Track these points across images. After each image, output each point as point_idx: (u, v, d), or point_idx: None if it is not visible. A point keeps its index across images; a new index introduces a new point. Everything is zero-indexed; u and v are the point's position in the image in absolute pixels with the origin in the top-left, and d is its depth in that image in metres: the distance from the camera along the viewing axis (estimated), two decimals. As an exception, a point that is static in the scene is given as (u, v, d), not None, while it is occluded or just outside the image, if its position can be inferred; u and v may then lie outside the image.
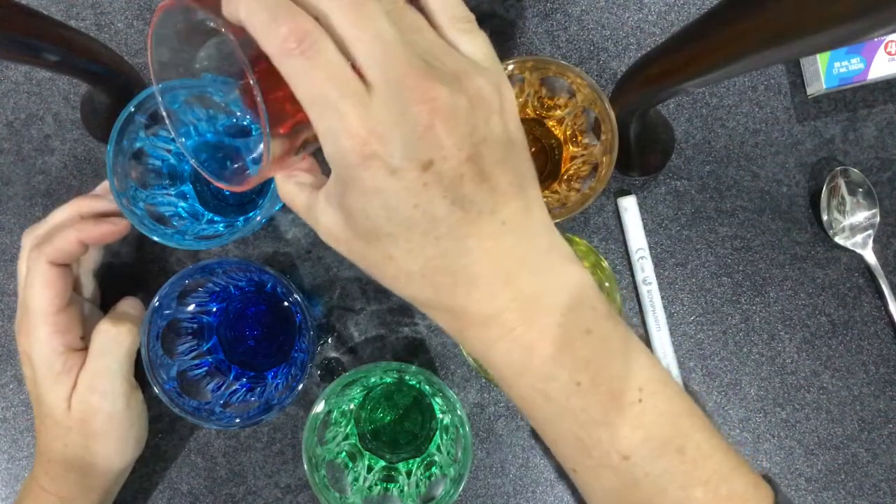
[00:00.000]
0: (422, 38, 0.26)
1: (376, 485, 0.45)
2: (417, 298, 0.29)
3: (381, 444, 0.48)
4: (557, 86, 0.45)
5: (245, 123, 0.34)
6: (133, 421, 0.45)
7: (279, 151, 0.27)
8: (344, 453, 0.45)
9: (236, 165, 0.32)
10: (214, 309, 0.48)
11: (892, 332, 0.50)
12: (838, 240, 0.49)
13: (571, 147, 0.47)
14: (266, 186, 0.44)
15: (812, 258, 0.50)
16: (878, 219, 0.49)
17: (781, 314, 0.50)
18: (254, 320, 0.50)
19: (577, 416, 0.28)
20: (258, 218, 0.43)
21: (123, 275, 0.51)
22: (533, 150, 0.49)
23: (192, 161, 0.29)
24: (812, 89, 0.50)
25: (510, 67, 0.43)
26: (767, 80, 0.51)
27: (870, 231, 0.50)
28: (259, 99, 0.24)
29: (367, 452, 0.47)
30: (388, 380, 0.47)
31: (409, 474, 0.45)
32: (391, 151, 0.24)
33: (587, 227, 0.50)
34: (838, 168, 0.49)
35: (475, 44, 0.27)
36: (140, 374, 0.44)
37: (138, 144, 0.44)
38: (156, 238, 0.43)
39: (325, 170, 0.28)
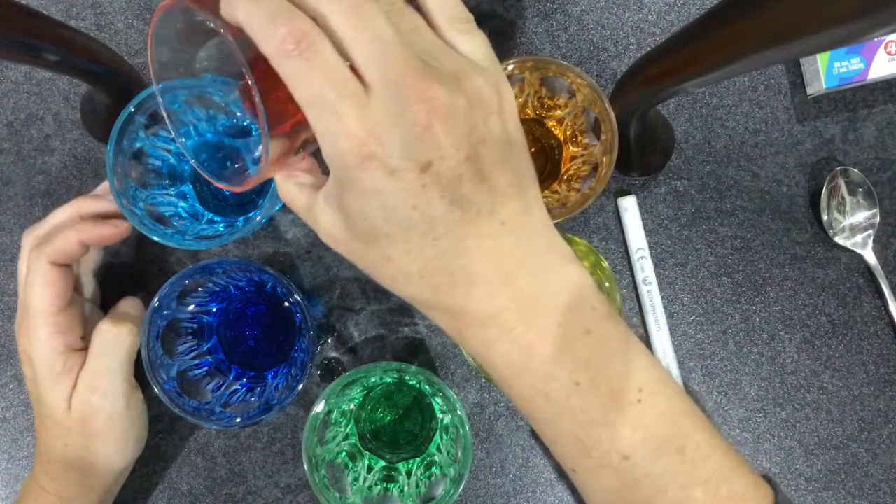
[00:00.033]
0: (420, 38, 0.26)
1: (376, 485, 0.45)
2: (416, 299, 0.28)
3: (381, 444, 0.48)
4: (557, 86, 0.45)
5: (245, 124, 0.34)
6: (133, 421, 0.45)
7: (278, 152, 0.27)
8: (344, 453, 0.45)
9: (236, 165, 0.32)
10: (214, 309, 0.48)
11: (892, 332, 0.49)
12: (838, 240, 0.49)
13: (571, 147, 0.47)
14: (266, 186, 0.44)
15: (812, 258, 0.50)
16: (878, 219, 0.49)
17: (781, 314, 0.50)
18: (254, 320, 0.50)
19: (576, 416, 0.28)
20: (258, 218, 0.43)
21: (123, 275, 0.51)
22: (533, 150, 0.49)
23: (192, 161, 0.29)
24: (812, 89, 0.50)
25: (510, 67, 0.43)
26: (767, 80, 0.51)
27: (870, 231, 0.49)
28: (258, 100, 0.24)
29: (367, 452, 0.47)
30: (388, 380, 0.47)
31: (409, 474, 0.45)
32: (389, 152, 0.24)
33: (587, 227, 0.50)
34: (838, 168, 0.49)
35: (474, 44, 0.27)
36: (140, 374, 0.44)
37: (138, 144, 0.44)
38: (156, 238, 0.43)
39: (325, 170, 0.28)
